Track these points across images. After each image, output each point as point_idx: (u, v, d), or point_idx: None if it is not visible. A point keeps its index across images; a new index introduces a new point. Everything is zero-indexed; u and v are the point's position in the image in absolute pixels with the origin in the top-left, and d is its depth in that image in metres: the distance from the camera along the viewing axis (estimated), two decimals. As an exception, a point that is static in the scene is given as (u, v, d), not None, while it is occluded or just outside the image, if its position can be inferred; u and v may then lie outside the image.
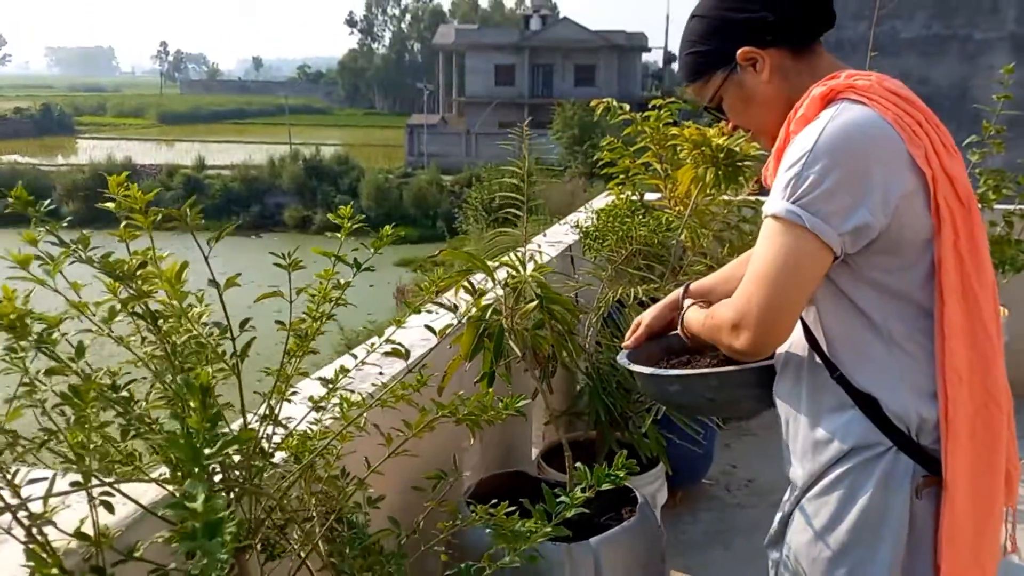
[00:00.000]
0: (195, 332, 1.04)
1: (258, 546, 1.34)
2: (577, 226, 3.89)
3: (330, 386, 1.41)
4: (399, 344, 1.34)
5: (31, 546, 0.92)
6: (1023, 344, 4.75)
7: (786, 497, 1.67)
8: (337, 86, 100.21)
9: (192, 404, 0.85)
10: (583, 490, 1.25)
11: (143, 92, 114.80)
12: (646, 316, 1.92)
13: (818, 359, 1.52)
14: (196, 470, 0.80)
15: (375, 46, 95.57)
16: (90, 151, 50.56)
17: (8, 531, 0.95)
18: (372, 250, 1.37)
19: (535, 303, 2.23)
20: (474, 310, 2.19)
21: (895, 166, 1.37)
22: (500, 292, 2.27)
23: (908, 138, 1.38)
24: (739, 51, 1.55)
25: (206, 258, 1.03)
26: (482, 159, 38.96)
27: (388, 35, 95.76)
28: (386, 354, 1.31)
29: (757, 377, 1.67)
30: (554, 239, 4.16)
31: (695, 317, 1.70)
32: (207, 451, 0.80)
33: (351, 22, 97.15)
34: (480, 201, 26.36)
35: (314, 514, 1.33)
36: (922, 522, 1.44)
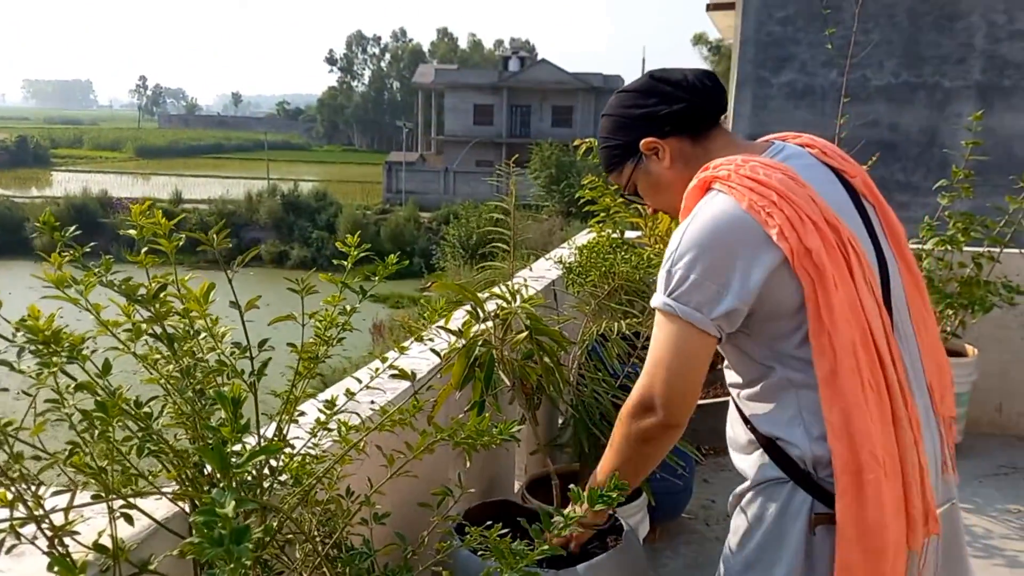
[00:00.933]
0: (217, 350, 1.08)
1: (260, 567, 1.37)
2: (560, 261, 3.96)
3: (331, 409, 1.46)
4: (403, 369, 1.38)
5: (54, 556, 0.96)
6: (992, 382, 4.87)
7: None
8: (316, 123, 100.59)
9: (222, 414, 0.89)
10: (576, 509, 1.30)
11: (121, 126, 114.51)
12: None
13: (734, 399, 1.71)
14: (225, 479, 0.84)
15: (355, 84, 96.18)
16: (65, 184, 50.30)
17: (32, 541, 0.98)
18: (375, 277, 1.42)
19: (525, 334, 2.29)
20: (463, 341, 2.25)
21: (755, 249, 1.50)
22: (490, 323, 2.32)
23: (762, 221, 1.49)
24: (641, 142, 1.72)
25: (230, 280, 1.08)
26: (459, 197, 39.20)
27: (368, 73, 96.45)
28: (392, 376, 1.36)
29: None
30: (538, 274, 4.22)
31: (599, 469, 1.78)
32: (236, 460, 0.85)
33: (331, 60, 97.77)
34: (458, 238, 26.46)
35: (316, 534, 1.36)
36: (819, 553, 1.53)
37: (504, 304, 2.33)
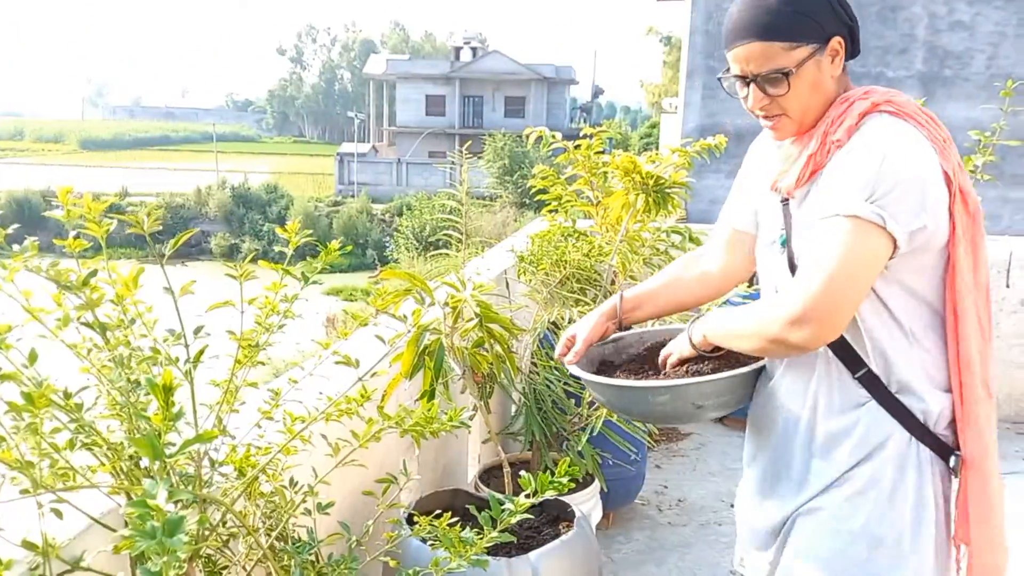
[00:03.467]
0: (149, 337, 1.05)
1: (202, 560, 1.33)
2: (512, 250, 3.95)
3: (274, 400, 1.42)
4: (347, 355, 1.36)
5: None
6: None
7: (763, 502, 1.74)
8: (266, 114, 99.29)
9: (155, 403, 0.86)
10: (527, 496, 1.29)
11: (64, 118, 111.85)
12: (581, 329, 1.90)
13: (833, 356, 1.59)
14: (156, 470, 0.81)
15: (305, 75, 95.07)
16: (6, 177, 49.02)
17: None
18: (317, 265, 1.39)
19: (475, 322, 2.27)
20: (412, 332, 2.22)
21: (936, 177, 1.48)
22: (440, 311, 2.30)
23: (940, 153, 1.50)
24: (836, 37, 1.56)
25: (162, 264, 1.04)
26: (413, 188, 38.98)
27: (318, 64, 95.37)
28: (337, 363, 1.33)
29: (753, 380, 1.72)
30: (490, 263, 4.20)
31: (718, 320, 1.68)
32: (168, 450, 0.81)
33: (280, 51, 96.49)
34: (411, 229, 26.34)
35: (259, 526, 1.33)
36: (945, 505, 1.58)
37: (454, 293, 2.31)
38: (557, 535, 2.12)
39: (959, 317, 1.54)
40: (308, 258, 1.45)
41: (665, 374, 1.77)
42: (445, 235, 3.65)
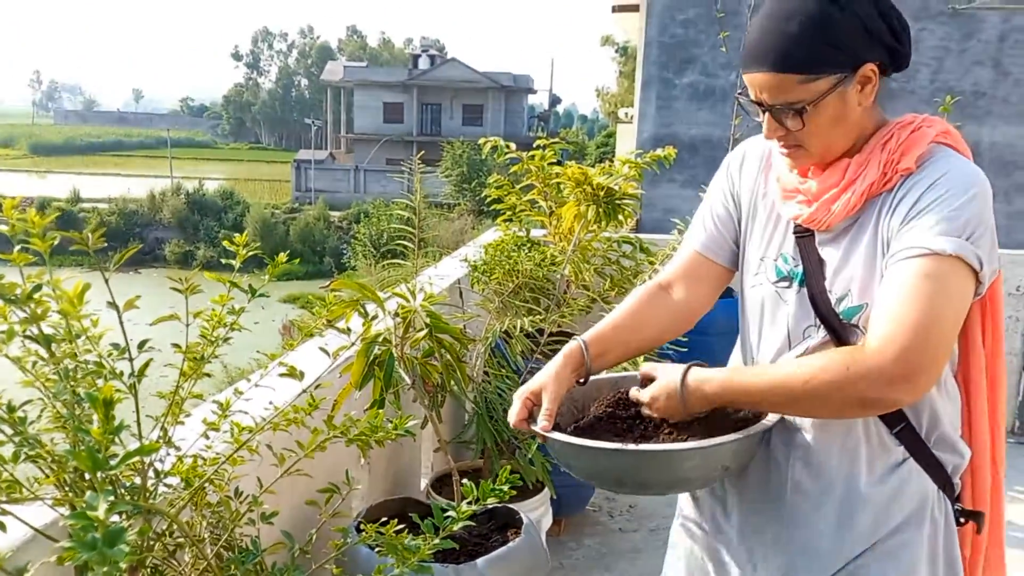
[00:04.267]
0: (94, 352, 1.06)
1: (147, 571, 1.35)
2: (466, 260, 3.98)
3: (221, 411, 1.44)
4: (292, 367, 1.38)
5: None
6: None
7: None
8: (222, 120, 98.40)
9: (96, 417, 0.88)
10: (469, 503, 1.32)
11: (13, 122, 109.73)
12: (546, 385, 1.55)
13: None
14: (98, 481, 0.83)
15: (261, 80, 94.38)
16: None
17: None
18: (266, 277, 1.42)
19: (425, 332, 2.30)
20: (360, 343, 2.25)
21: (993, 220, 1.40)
22: (391, 322, 2.32)
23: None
24: (868, 64, 1.38)
25: (106, 280, 1.06)
26: (370, 195, 38.84)
27: (275, 70, 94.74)
28: (281, 375, 1.35)
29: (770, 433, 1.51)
30: (444, 272, 4.23)
31: (739, 379, 1.43)
32: (110, 462, 0.84)
33: (236, 56, 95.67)
34: (369, 237, 26.27)
35: (205, 536, 1.35)
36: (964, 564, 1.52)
37: (404, 303, 2.33)
38: (505, 542, 2.15)
39: (996, 364, 1.48)
40: (260, 267, 1.46)
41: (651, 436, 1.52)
42: (400, 244, 3.67)
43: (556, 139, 4.37)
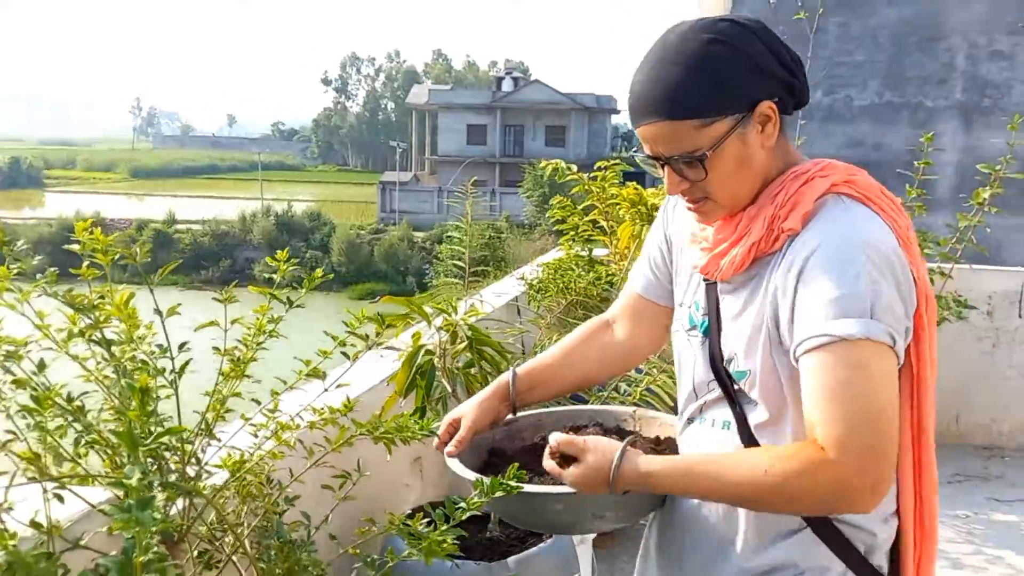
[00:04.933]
0: (146, 353, 1.23)
1: (194, 553, 1.51)
2: (523, 278, 4.13)
3: (271, 412, 1.60)
4: (316, 368, 1.53)
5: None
6: (950, 395, 5.04)
7: None
8: (311, 143, 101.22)
9: (135, 401, 1.04)
10: (478, 495, 1.44)
11: (115, 147, 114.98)
12: (467, 412, 1.59)
13: None
14: (136, 457, 0.99)
15: (349, 104, 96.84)
16: (59, 205, 50.51)
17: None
18: (303, 291, 1.58)
19: (465, 344, 2.45)
20: (409, 349, 2.40)
21: (908, 275, 1.28)
22: (435, 335, 2.48)
23: (904, 246, 1.29)
24: (764, 102, 1.30)
25: (151, 290, 1.23)
26: (453, 216, 39.33)
27: (362, 94, 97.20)
28: (306, 374, 1.50)
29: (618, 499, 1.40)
30: (503, 290, 4.38)
31: (676, 476, 1.30)
32: (144, 440, 0.99)
33: (326, 81, 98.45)
34: (450, 257, 26.58)
35: (245, 522, 1.51)
36: None
37: (448, 317, 2.49)
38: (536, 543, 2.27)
39: (925, 436, 1.34)
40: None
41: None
42: (475, 266, 3.84)
43: (615, 160, 4.49)
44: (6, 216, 45.37)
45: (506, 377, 1.65)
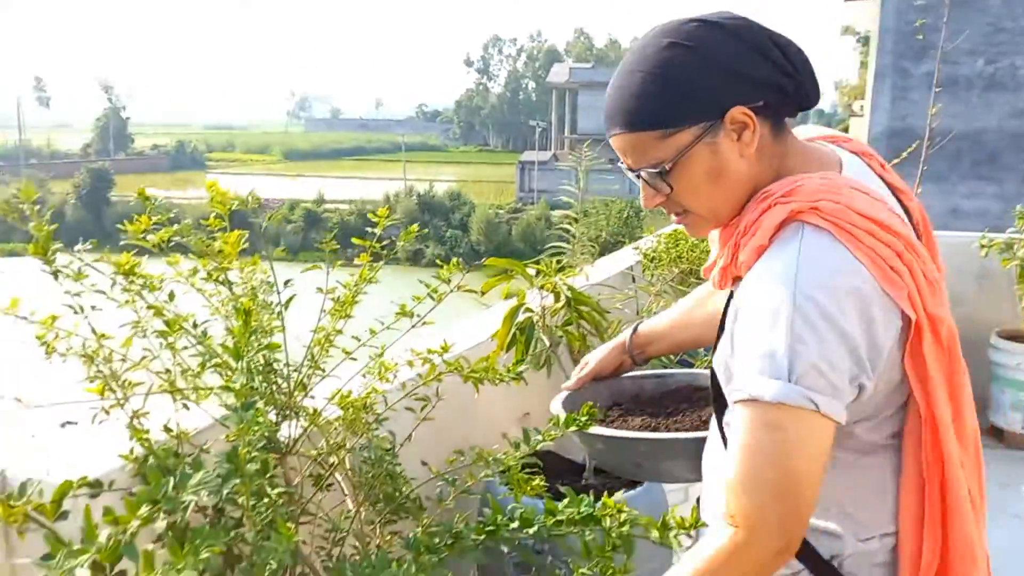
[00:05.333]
0: (254, 287, 1.43)
1: (306, 473, 1.72)
2: (637, 248, 4.24)
3: (379, 355, 1.78)
4: (404, 306, 1.70)
5: (133, 428, 1.33)
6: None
7: None
8: (453, 124, 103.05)
9: (239, 321, 1.24)
10: (552, 427, 1.59)
11: (269, 131, 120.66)
12: (593, 356, 1.84)
13: None
14: (240, 365, 1.19)
15: (490, 85, 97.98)
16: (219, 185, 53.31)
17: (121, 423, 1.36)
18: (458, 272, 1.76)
19: (564, 303, 2.59)
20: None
21: (878, 315, 1.14)
22: (538, 296, 2.64)
23: (885, 278, 1.14)
24: (734, 108, 1.20)
25: (270, 262, 1.43)
26: (591, 195, 39.38)
27: (503, 75, 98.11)
28: (396, 314, 1.68)
29: (691, 448, 1.50)
30: (621, 259, 4.52)
31: None
32: (247, 352, 1.19)
33: (468, 62, 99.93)
34: (587, 235, 26.68)
35: (347, 444, 1.70)
36: None
37: (548, 278, 2.64)
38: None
39: (947, 485, 1.21)
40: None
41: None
42: (617, 239, 4.01)
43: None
44: (173, 196, 48.41)
45: (625, 333, 1.83)
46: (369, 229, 1.63)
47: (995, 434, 4.91)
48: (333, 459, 1.69)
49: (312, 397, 1.56)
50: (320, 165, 73.16)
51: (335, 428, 1.68)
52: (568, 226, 4.05)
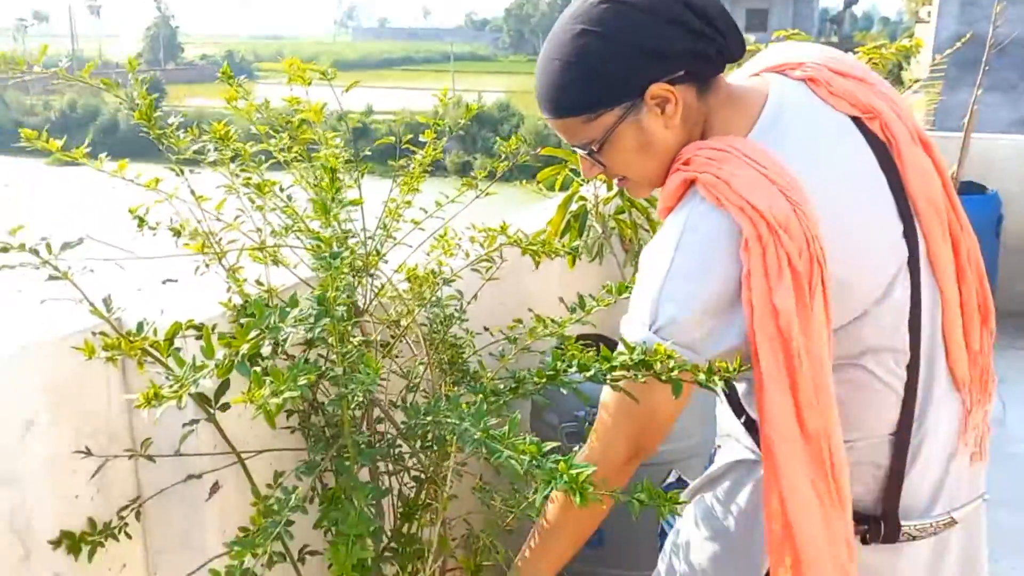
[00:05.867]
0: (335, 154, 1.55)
1: (378, 336, 1.87)
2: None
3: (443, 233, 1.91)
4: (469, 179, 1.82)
5: (232, 277, 1.49)
6: None
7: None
8: (502, 33, 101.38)
9: (327, 178, 1.37)
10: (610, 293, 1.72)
11: (317, 40, 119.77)
12: None
13: None
14: (327, 218, 1.32)
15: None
16: (269, 94, 53.46)
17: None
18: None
19: (616, 192, 2.69)
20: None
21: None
22: (592, 184, 2.73)
23: (758, 238, 1.19)
24: (652, 86, 1.24)
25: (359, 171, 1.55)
26: (641, 106, 38.74)
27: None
28: (461, 187, 1.80)
29: None
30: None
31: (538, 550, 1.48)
32: (334, 208, 1.32)
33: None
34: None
35: (416, 307, 1.84)
36: None
37: (602, 167, 2.73)
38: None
39: (808, 435, 1.24)
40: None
41: None
42: None
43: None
44: (219, 106, 48.66)
45: None
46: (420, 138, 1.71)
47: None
48: (404, 323, 1.84)
49: (386, 262, 1.70)
50: (368, 75, 72.70)
51: (404, 295, 1.82)
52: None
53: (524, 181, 3.16)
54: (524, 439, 1.19)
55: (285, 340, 1.26)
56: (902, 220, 1.30)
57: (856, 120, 1.31)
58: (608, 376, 1.30)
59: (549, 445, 1.18)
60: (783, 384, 1.20)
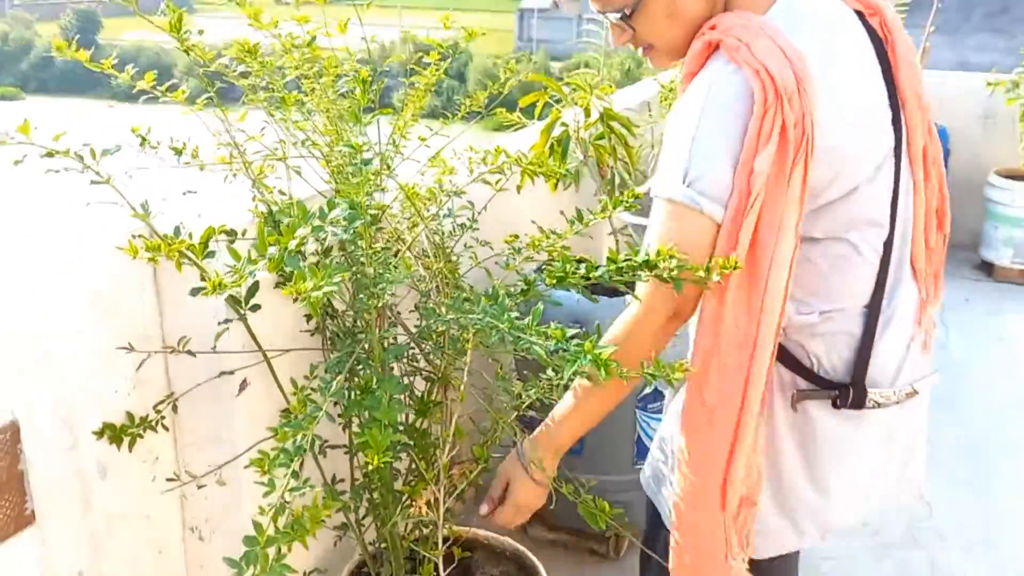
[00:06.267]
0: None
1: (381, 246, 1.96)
2: (655, 79, 4.39)
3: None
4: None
5: (258, 183, 1.58)
6: None
7: None
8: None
9: (360, 89, 1.45)
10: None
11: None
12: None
13: None
14: (360, 128, 1.41)
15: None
16: (208, 29, 51.94)
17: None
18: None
19: (597, 118, 2.79)
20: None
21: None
22: (573, 110, 2.83)
23: (777, 95, 1.29)
24: None
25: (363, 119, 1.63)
26: (593, 46, 38.60)
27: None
28: (464, 105, 1.89)
29: None
30: (642, 90, 4.70)
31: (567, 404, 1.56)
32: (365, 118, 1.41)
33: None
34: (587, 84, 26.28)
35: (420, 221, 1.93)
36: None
37: (584, 94, 2.82)
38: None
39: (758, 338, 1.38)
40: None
41: None
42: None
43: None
44: (161, 39, 47.25)
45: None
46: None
47: (985, 268, 5.21)
48: (412, 235, 1.93)
49: (396, 176, 1.79)
50: (309, 10, 70.93)
51: (408, 207, 1.90)
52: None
53: (503, 110, 3.24)
54: (548, 327, 1.31)
55: (324, 239, 1.35)
56: (891, 110, 1.44)
57: (859, 15, 1.45)
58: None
59: (571, 331, 1.30)
60: (732, 234, 1.33)
